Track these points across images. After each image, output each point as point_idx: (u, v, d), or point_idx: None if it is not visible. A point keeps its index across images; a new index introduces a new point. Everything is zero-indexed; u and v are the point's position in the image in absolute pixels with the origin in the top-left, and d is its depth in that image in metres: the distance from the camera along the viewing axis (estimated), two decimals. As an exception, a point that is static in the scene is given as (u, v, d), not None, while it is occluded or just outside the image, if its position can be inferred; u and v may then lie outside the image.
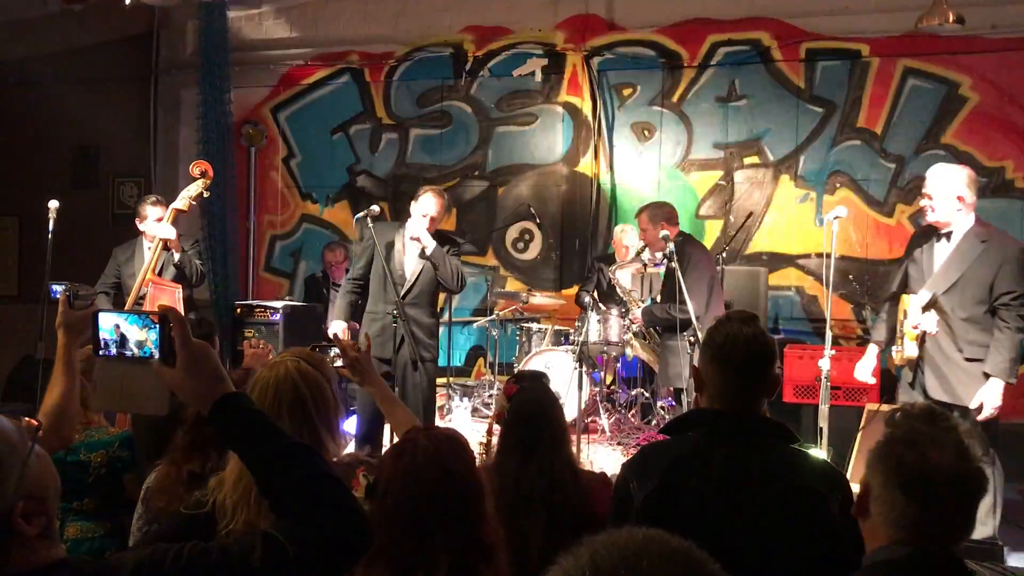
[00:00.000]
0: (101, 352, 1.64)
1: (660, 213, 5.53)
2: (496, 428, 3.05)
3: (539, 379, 3.04)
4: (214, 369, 1.61)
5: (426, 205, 5.19)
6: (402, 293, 5.11)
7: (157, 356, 1.60)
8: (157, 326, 1.60)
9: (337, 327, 5.20)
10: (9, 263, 9.33)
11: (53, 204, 5.50)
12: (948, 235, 4.38)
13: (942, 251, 4.41)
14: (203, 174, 5.56)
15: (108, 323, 1.63)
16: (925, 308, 4.34)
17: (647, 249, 6.13)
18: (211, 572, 1.43)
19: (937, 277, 4.36)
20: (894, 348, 4.58)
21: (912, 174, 7.04)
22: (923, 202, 4.43)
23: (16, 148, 9.15)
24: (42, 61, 8.68)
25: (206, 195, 5.69)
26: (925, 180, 4.44)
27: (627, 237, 6.95)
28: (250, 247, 8.80)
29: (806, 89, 7.35)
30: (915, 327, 4.32)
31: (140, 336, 1.62)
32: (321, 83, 8.67)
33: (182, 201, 5.53)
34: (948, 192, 4.30)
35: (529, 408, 2.84)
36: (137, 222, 5.79)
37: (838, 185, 7.27)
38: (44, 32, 8.44)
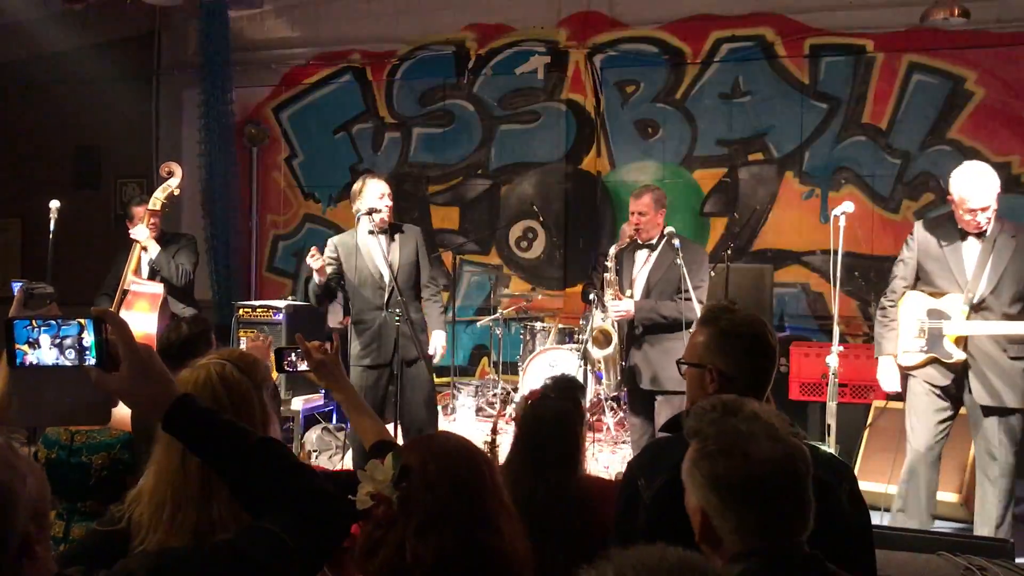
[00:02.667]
0: (18, 363, 1.49)
1: (663, 199, 5.04)
2: (502, 428, 3.02)
3: (568, 390, 2.92)
4: (161, 372, 1.53)
5: (381, 188, 5.04)
6: (387, 297, 4.93)
7: (94, 362, 1.48)
8: (92, 330, 1.48)
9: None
10: (11, 264, 9.32)
11: (54, 204, 5.49)
12: (980, 235, 4.23)
13: (970, 249, 4.26)
14: (170, 174, 5.56)
15: (26, 331, 1.49)
16: (975, 308, 4.22)
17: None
18: (227, 570, 1.42)
19: (978, 276, 4.22)
20: (908, 351, 4.37)
21: (918, 170, 7.01)
22: (979, 217, 4.16)
23: (18, 149, 9.16)
24: (43, 62, 8.68)
25: (176, 193, 5.66)
26: (975, 191, 4.16)
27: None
28: (252, 247, 8.79)
29: (810, 85, 7.32)
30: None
31: (76, 341, 1.49)
32: (323, 82, 8.65)
33: (154, 202, 5.52)
34: (995, 200, 4.18)
35: (539, 422, 2.78)
36: (128, 224, 5.79)
37: (843, 181, 7.23)
38: (45, 33, 8.43)
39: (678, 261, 4.68)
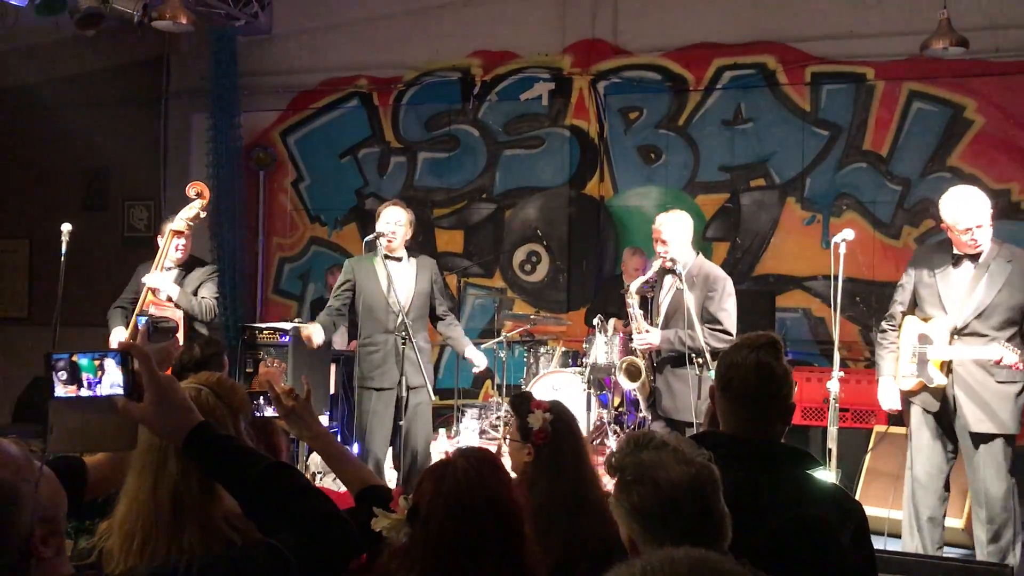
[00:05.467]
0: (56, 394, 1.59)
1: (688, 225, 4.96)
2: (505, 450, 3.07)
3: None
4: (182, 401, 1.63)
5: (391, 214, 5.15)
6: (398, 322, 5.01)
7: (122, 392, 1.58)
8: (120, 363, 1.57)
9: (315, 331, 5.10)
10: (19, 285, 9.39)
11: (66, 227, 5.51)
12: (975, 257, 4.23)
13: (963, 274, 4.25)
14: (198, 195, 5.51)
15: (64, 364, 1.58)
16: (958, 333, 4.21)
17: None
18: None
19: (963, 300, 4.21)
20: (905, 375, 4.41)
21: (918, 197, 7.06)
22: (976, 235, 4.16)
23: (27, 171, 9.24)
24: (54, 85, 8.78)
25: (203, 215, 5.62)
26: (964, 211, 4.18)
27: (637, 259, 6.94)
28: (259, 269, 8.85)
29: (812, 112, 7.39)
30: (996, 359, 4.07)
31: (106, 374, 1.58)
32: (330, 107, 8.75)
33: (179, 223, 5.45)
34: (988, 219, 4.19)
35: (569, 422, 2.94)
36: (157, 238, 5.83)
37: (844, 207, 7.29)
38: (57, 57, 8.54)
39: (679, 286, 4.72)
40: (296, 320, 7.12)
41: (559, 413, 2.93)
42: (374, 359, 5.10)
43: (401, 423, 5.03)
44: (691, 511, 1.71)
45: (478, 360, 5.36)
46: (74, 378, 1.58)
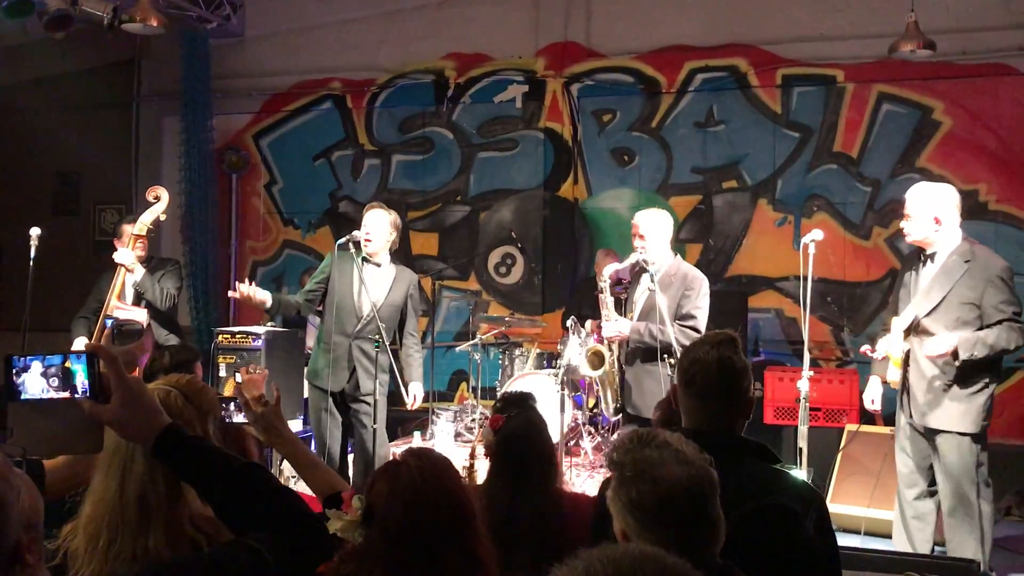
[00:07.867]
0: (21, 397, 1.59)
1: (669, 225, 5.01)
2: (480, 453, 3.08)
3: (525, 403, 3.02)
4: (150, 402, 1.64)
5: (370, 217, 5.14)
6: (358, 327, 5.03)
7: (87, 394, 1.58)
8: (85, 364, 1.57)
9: (259, 292, 4.94)
10: (-12, 290, 9.28)
11: (35, 232, 5.49)
12: (932, 256, 4.31)
13: (927, 273, 4.32)
14: (157, 199, 5.53)
15: (26, 366, 1.59)
16: (907, 331, 4.27)
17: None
18: None
19: (919, 299, 4.28)
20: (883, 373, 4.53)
21: (888, 197, 7.14)
22: (902, 223, 4.36)
23: (-4, 174, 9.15)
24: (23, 88, 8.70)
25: (163, 218, 5.63)
26: (907, 198, 4.37)
27: (610, 260, 6.96)
28: (231, 273, 8.80)
29: (783, 114, 7.46)
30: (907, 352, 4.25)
31: (59, 370, 1.58)
32: (303, 110, 8.72)
33: (140, 227, 5.48)
34: (924, 212, 4.25)
35: (515, 442, 2.86)
36: (115, 242, 5.78)
37: (815, 209, 7.36)
38: (26, 59, 8.45)
39: (651, 287, 4.74)
40: (269, 324, 7.11)
41: (504, 441, 2.88)
42: (326, 359, 5.08)
43: (363, 429, 5.04)
44: (687, 511, 1.74)
45: (416, 394, 5.25)
46: (66, 383, 1.58)
